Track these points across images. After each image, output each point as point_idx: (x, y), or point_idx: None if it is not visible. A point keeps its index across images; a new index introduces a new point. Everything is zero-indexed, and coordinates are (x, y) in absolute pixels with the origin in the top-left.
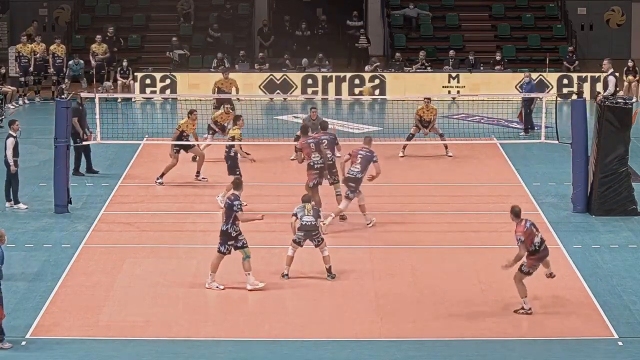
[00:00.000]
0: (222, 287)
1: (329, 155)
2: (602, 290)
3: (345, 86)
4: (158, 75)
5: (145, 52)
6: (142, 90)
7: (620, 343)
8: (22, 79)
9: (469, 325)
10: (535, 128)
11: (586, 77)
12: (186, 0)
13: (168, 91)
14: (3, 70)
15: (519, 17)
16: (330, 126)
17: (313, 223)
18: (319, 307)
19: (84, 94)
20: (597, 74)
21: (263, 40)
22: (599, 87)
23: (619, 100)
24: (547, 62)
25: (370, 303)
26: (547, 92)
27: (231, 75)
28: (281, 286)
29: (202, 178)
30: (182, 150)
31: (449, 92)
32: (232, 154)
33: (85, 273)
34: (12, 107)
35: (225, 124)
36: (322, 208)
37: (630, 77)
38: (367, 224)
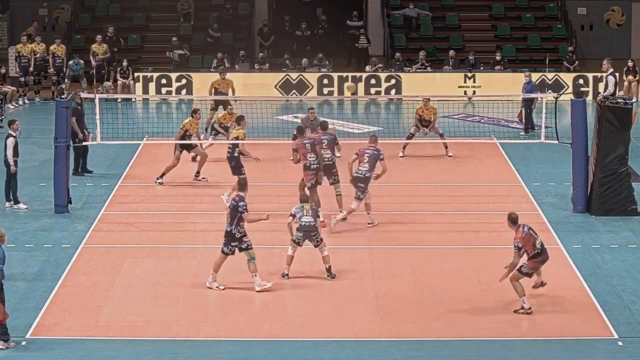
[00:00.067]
0: (222, 287)
1: (329, 156)
2: (602, 290)
3: (361, 86)
4: (174, 76)
5: (145, 52)
6: (158, 91)
7: (620, 343)
8: (22, 79)
9: (469, 325)
10: (536, 128)
11: (601, 77)
12: (186, 0)
13: (184, 92)
14: (3, 70)
15: (519, 17)
16: (330, 126)
17: (312, 223)
18: (319, 307)
19: (83, 94)
20: (599, 74)
21: (263, 40)
22: (601, 87)
23: (619, 100)
24: (547, 62)
25: (370, 303)
26: (563, 92)
27: (231, 75)
28: (281, 286)
29: (202, 178)
30: (183, 150)
31: (465, 92)
32: (236, 154)
33: (85, 273)
34: (12, 107)
35: (229, 125)
36: (322, 208)
37: (630, 77)
38: (369, 223)
